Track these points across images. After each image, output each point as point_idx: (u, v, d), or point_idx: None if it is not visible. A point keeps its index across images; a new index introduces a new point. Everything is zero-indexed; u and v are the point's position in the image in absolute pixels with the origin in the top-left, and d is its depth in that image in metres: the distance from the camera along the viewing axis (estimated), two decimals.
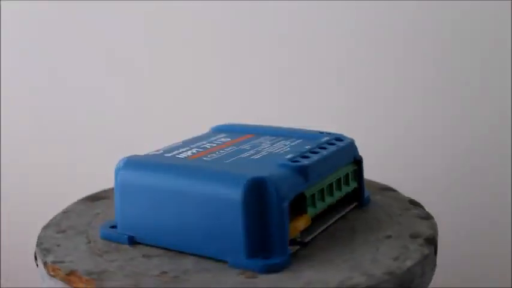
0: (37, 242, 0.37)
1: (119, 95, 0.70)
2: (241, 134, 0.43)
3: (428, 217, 0.40)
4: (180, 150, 0.38)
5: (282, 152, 0.39)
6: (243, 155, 0.38)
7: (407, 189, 0.46)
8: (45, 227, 0.39)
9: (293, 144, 0.41)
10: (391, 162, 0.64)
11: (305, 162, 0.35)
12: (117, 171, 0.36)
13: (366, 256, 0.34)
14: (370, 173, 0.55)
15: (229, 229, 0.32)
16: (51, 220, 0.40)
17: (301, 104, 0.65)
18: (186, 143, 0.41)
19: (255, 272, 0.32)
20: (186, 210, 0.34)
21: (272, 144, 0.40)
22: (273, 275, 0.32)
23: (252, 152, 0.39)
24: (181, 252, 0.35)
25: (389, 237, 0.37)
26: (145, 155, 0.37)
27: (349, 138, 0.42)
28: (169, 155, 0.38)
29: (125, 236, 0.36)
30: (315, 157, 0.37)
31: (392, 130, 0.64)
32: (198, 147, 0.39)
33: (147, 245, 0.36)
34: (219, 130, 0.45)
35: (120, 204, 0.36)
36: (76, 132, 0.71)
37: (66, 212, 0.42)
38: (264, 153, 0.38)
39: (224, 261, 0.33)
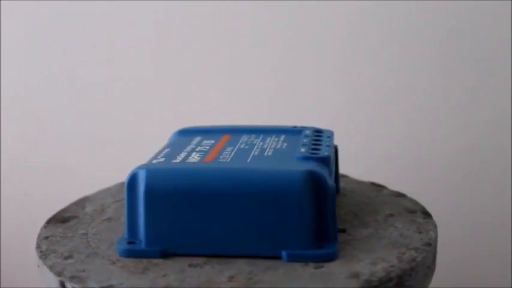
0: (53, 271, 0.33)
1: (119, 95, 0.70)
2: (218, 135, 0.42)
3: (400, 194, 0.43)
4: (182, 156, 0.37)
5: (284, 147, 0.39)
6: (254, 154, 0.37)
7: (407, 190, 0.47)
8: (44, 255, 0.35)
9: (283, 139, 0.41)
10: (391, 162, 0.64)
11: (325, 153, 0.36)
12: (138, 181, 0.34)
13: (393, 233, 0.37)
14: (369, 173, 0.55)
15: (285, 223, 0.33)
16: (40, 247, 0.36)
17: (300, 104, 0.65)
18: (175, 149, 0.39)
19: (315, 262, 0.33)
20: (235, 212, 0.33)
21: (264, 142, 0.40)
22: (334, 263, 0.33)
23: (257, 149, 0.38)
24: (224, 257, 0.33)
25: (391, 215, 0.39)
26: (158, 163, 0.35)
27: (328, 130, 0.42)
28: (178, 161, 0.36)
29: (156, 249, 0.34)
30: (326, 148, 0.37)
31: (392, 130, 0.64)
32: (194, 150, 0.38)
33: (182, 255, 0.34)
34: (188, 133, 0.43)
35: (147, 217, 0.33)
36: (76, 133, 0.71)
37: (48, 237, 0.38)
38: (270, 149, 0.38)
39: (277, 257, 0.33)
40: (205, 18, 0.65)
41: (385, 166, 0.64)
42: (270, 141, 0.40)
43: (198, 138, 0.41)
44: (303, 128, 0.42)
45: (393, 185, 0.47)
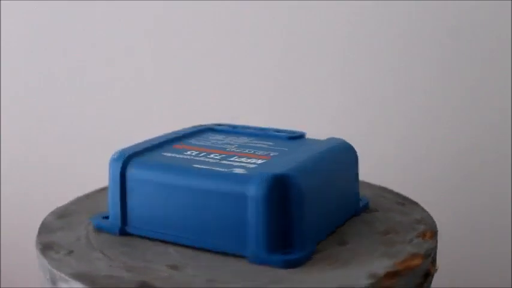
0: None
1: (119, 95, 0.70)
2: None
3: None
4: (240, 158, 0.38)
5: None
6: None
7: (407, 190, 0.47)
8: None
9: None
10: (391, 162, 0.64)
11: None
12: (287, 185, 0.33)
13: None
14: (370, 173, 0.55)
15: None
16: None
17: (300, 104, 0.65)
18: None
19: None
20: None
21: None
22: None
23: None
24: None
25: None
26: (277, 167, 0.35)
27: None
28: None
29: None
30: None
31: (392, 130, 0.64)
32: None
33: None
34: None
35: (300, 218, 0.33)
36: (76, 133, 0.71)
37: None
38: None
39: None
40: (205, 18, 0.66)
41: (385, 166, 0.64)
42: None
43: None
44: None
45: (393, 185, 0.47)
